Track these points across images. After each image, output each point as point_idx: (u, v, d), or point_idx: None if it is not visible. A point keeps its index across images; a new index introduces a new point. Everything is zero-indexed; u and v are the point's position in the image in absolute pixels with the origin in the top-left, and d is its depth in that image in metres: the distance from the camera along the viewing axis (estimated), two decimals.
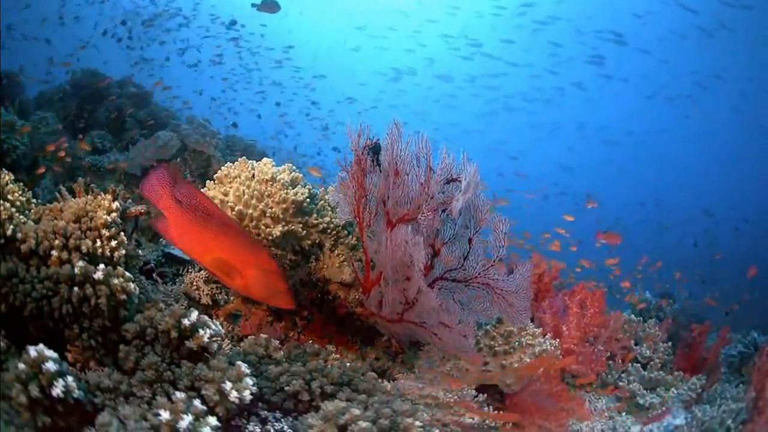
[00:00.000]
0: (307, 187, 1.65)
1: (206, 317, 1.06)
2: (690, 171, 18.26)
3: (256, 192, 1.54)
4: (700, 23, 11.76)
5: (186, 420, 0.83)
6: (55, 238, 1.11)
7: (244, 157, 1.67)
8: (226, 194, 1.56)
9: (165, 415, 0.84)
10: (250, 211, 1.52)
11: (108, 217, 1.21)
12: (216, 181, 1.63)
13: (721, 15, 11.49)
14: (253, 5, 3.94)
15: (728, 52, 12.95)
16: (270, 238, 1.53)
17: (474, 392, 1.49)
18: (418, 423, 0.98)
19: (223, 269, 1.21)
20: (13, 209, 1.18)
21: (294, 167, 1.68)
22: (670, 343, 2.31)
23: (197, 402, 0.88)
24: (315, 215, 1.64)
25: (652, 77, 15.26)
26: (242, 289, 1.23)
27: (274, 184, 1.56)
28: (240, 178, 1.59)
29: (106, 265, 1.08)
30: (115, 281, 1.06)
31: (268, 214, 1.53)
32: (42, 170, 2.72)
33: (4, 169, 1.37)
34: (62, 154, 2.92)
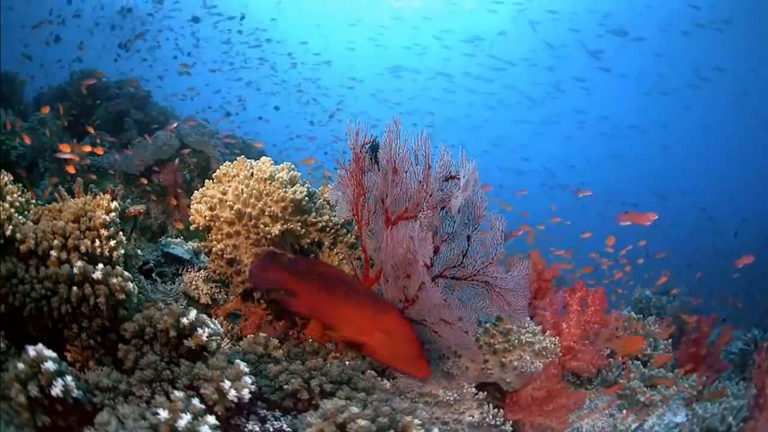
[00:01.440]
0: (306, 185, 1.65)
1: (205, 316, 1.07)
2: (690, 166, 18.24)
3: (254, 191, 1.54)
4: (702, 15, 11.74)
5: (185, 419, 0.83)
6: (54, 239, 1.11)
7: (242, 156, 1.67)
8: (224, 193, 1.56)
9: (164, 414, 0.84)
10: (249, 209, 1.52)
11: (107, 217, 1.21)
12: (215, 180, 1.63)
13: (723, 7, 11.45)
14: None
15: (730, 44, 12.91)
16: (269, 236, 1.53)
17: (474, 390, 1.49)
18: (417, 421, 0.98)
19: (353, 334, 1.17)
20: (13, 210, 1.18)
21: (293, 166, 1.67)
22: (670, 341, 2.31)
23: (196, 401, 0.88)
24: (314, 214, 1.64)
25: (652, 70, 15.24)
26: (371, 352, 1.19)
27: (273, 183, 1.56)
28: (239, 177, 1.59)
29: (104, 265, 1.08)
30: (114, 281, 1.06)
31: (266, 213, 1.53)
32: (72, 170, 2.72)
33: (3, 170, 1.37)
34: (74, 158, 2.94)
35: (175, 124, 3.60)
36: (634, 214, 3.12)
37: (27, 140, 2.87)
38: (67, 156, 2.89)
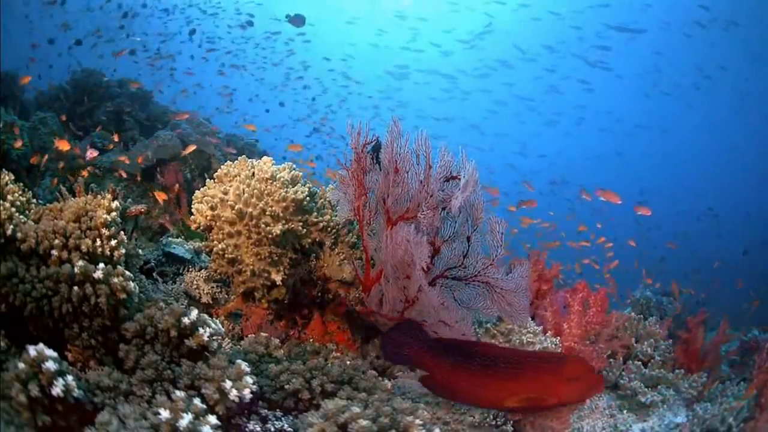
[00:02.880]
0: (308, 185, 1.65)
1: (206, 316, 1.06)
2: (692, 166, 18.23)
3: (255, 190, 1.54)
4: (704, 15, 11.71)
5: (186, 419, 0.83)
6: (55, 238, 1.11)
7: (243, 156, 1.67)
8: (225, 193, 1.56)
9: (165, 413, 0.84)
10: (250, 209, 1.52)
11: (108, 217, 1.21)
12: (216, 180, 1.63)
13: (727, 7, 11.43)
14: (286, 16, 4.10)
15: (734, 43, 12.88)
16: (270, 236, 1.53)
17: None
18: (418, 421, 0.98)
19: (534, 401, 1.14)
20: (13, 209, 1.17)
21: (294, 165, 1.67)
22: (671, 341, 2.31)
23: (197, 401, 0.88)
24: (315, 213, 1.64)
25: (655, 69, 15.21)
26: (562, 403, 1.17)
27: (274, 183, 1.56)
28: (240, 176, 1.58)
29: (105, 265, 1.08)
30: (115, 280, 1.06)
31: (268, 213, 1.53)
32: (84, 174, 2.71)
33: (4, 169, 1.37)
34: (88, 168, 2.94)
35: (186, 115, 3.61)
36: (609, 192, 3.30)
37: (34, 160, 2.88)
38: (90, 155, 2.90)
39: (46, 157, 2.92)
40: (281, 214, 1.55)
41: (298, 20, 4.33)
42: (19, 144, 2.79)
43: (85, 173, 2.74)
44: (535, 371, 1.13)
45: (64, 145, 2.91)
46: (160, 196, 2.84)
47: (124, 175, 3.06)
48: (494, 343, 1.39)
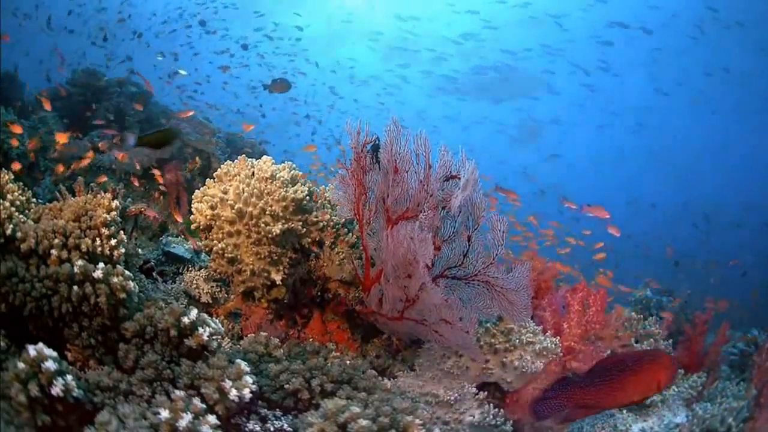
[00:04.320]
0: (307, 184, 1.65)
1: (206, 315, 1.06)
2: (693, 164, 18.23)
3: (255, 190, 1.54)
4: (709, 14, 11.69)
5: (185, 418, 0.83)
6: (55, 237, 1.11)
7: (243, 155, 1.67)
8: (225, 192, 1.56)
9: (164, 413, 0.84)
10: (250, 209, 1.52)
11: (107, 216, 1.21)
12: (216, 179, 1.63)
13: (733, 8, 11.40)
14: (264, 87, 4.04)
15: (738, 44, 12.85)
16: (270, 236, 1.53)
17: (475, 390, 1.49)
18: (418, 421, 0.98)
19: (647, 390, 1.27)
20: (13, 208, 1.17)
21: (294, 165, 1.67)
22: (671, 341, 2.31)
23: (197, 400, 0.88)
24: (315, 213, 1.64)
25: (657, 67, 15.18)
26: (660, 389, 1.29)
27: (274, 182, 1.56)
28: (240, 176, 1.58)
29: (105, 264, 1.08)
30: (115, 280, 1.06)
31: (267, 212, 1.53)
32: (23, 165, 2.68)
33: (3, 169, 1.37)
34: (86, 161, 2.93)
35: (191, 113, 3.62)
36: (596, 207, 3.29)
37: (32, 145, 2.86)
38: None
39: (40, 137, 2.91)
40: (281, 214, 1.55)
41: (281, 86, 4.08)
42: (16, 143, 2.79)
43: (84, 162, 2.74)
44: (650, 364, 1.27)
45: (62, 138, 2.90)
46: (176, 215, 2.83)
47: (137, 183, 3.06)
48: (625, 350, 1.56)
